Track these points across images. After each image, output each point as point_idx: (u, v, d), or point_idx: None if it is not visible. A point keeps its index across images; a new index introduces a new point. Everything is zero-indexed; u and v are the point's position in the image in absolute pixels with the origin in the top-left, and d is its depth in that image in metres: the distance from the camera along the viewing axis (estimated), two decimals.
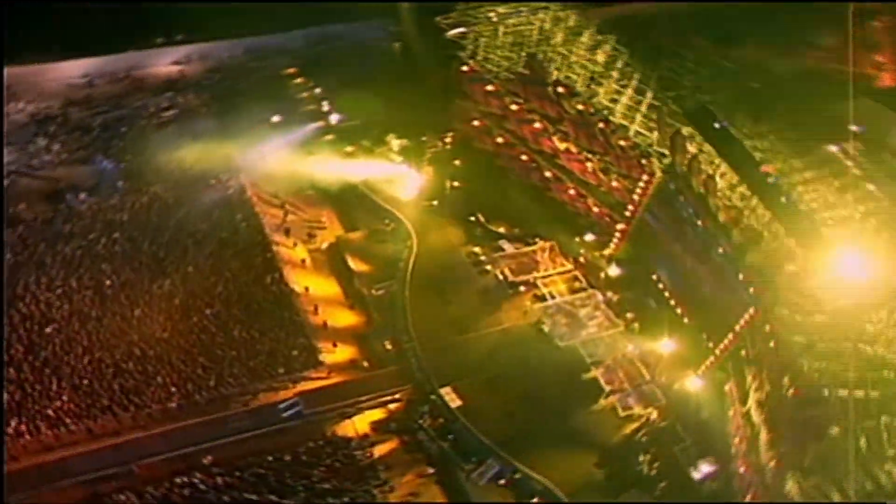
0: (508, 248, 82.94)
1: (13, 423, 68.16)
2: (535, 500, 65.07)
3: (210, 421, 70.09)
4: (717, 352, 70.32)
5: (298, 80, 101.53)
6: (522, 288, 79.80)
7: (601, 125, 78.48)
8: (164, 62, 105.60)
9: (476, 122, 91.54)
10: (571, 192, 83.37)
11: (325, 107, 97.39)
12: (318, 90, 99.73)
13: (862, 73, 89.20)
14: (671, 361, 73.31)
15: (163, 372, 72.37)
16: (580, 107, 79.97)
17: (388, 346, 75.42)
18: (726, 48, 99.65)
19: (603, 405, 71.02)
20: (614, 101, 76.78)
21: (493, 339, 75.76)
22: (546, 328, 76.00)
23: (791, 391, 62.02)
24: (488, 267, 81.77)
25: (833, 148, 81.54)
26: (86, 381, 71.37)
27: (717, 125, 72.03)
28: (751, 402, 66.06)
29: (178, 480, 65.88)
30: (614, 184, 78.87)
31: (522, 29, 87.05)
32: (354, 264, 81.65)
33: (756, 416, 64.66)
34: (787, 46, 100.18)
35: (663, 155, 73.80)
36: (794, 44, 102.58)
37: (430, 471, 67.91)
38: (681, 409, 70.64)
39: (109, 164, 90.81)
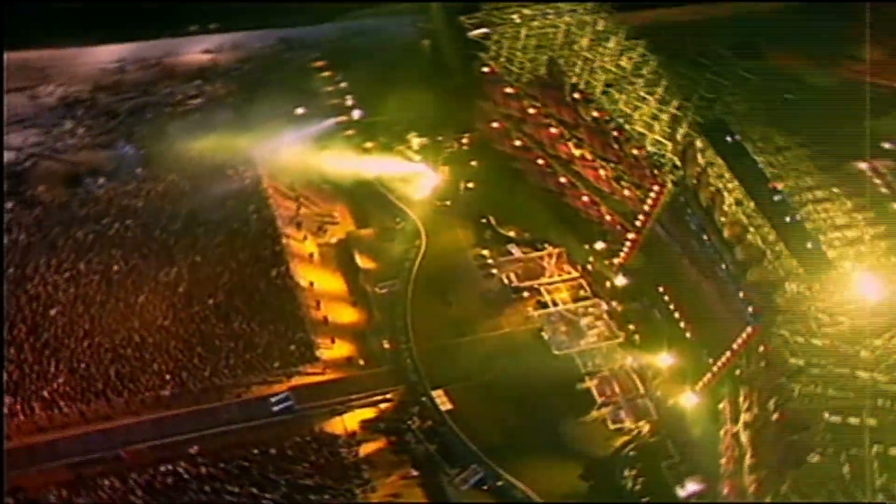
0: (516, 252, 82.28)
1: (8, 403, 68.89)
2: None
3: (200, 411, 70.51)
4: (715, 369, 69.11)
5: (326, 74, 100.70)
6: (526, 293, 79.19)
7: (615, 133, 76.37)
8: (197, 50, 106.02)
9: (495, 124, 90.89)
10: (585, 198, 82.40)
11: (349, 101, 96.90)
12: (343, 84, 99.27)
13: None
14: (669, 376, 72.45)
15: (159, 359, 72.87)
16: (595, 113, 78.86)
17: (386, 346, 75.33)
18: (759, 58, 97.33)
19: (594, 416, 70.35)
20: (636, 108, 75.13)
21: (491, 343, 75.32)
22: (546, 335, 74.67)
23: (776, 415, 60.48)
24: (494, 270, 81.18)
25: (863, 165, 79.49)
26: (83, 365, 72.05)
27: (728, 138, 70.31)
28: (741, 423, 64.44)
29: (162, 468, 66.53)
30: (626, 193, 77.80)
31: (547, 32, 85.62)
32: (362, 261, 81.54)
33: (744, 438, 63.31)
34: (827, 58, 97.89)
35: (676, 166, 72.18)
36: (835, 56, 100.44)
37: (414, 473, 67.67)
38: (673, 426, 69.80)
39: (130, 150, 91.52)
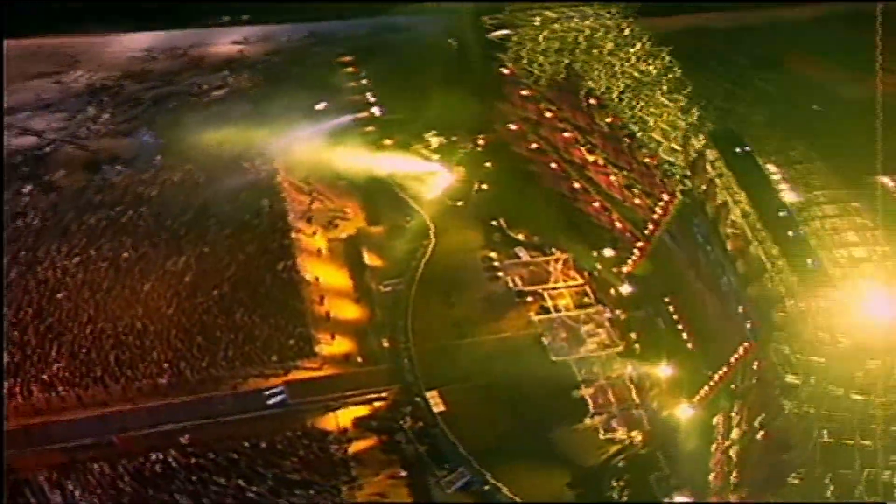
0: (524, 255, 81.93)
1: (8, 385, 69.95)
2: None
3: (195, 401, 71.02)
4: (712, 383, 68.16)
5: (350, 69, 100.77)
6: (530, 298, 78.70)
7: (628, 140, 75.82)
8: (226, 41, 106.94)
9: (512, 126, 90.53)
10: (597, 204, 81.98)
11: (370, 98, 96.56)
12: (366, 80, 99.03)
13: None
14: (667, 387, 71.57)
15: (159, 348, 73.50)
16: (609, 119, 78.14)
17: (386, 344, 75.07)
18: (785, 68, 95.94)
19: (587, 425, 69.57)
20: (654, 114, 74.38)
21: (490, 346, 74.98)
22: (546, 341, 73.99)
23: (761, 433, 59.57)
24: (500, 273, 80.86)
25: (887, 181, 77.97)
26: (84, 350, 72.92)
27: (739, 150, 69.35)
28: (731, 439, 63.61)
29: (152, 456, 66.96)
30: (636, 200, 77.29)
31: (568, 35, 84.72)
32: (369, 258, 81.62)
33: (732, 454, 62.46)
34: (861, 70, 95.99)
35: (686, 176, 71.42)
36: (871, 68, 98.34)
37: (402, 473, 67.53)
38: (665, 438, 68.66)
39: (150, 139, 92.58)
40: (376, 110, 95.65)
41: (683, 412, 68.96)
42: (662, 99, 74.81)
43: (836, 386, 61.69)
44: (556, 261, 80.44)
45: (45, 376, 70.72)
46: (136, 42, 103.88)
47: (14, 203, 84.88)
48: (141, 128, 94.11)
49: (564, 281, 79.46)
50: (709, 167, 70.00)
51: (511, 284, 79.95)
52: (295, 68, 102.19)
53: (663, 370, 71.59)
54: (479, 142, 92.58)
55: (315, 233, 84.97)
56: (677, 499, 64.64)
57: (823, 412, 61.42)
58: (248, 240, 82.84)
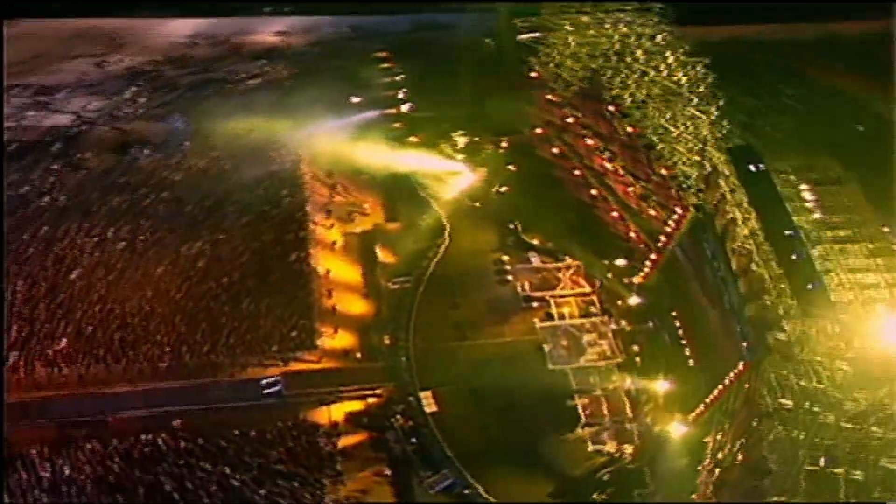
0: (536, 260, 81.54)
1: (13, 358, 71.29)
2: None
3: (192, 386, 72.11)
4: (708, 401, 67.11)
5: (386, 65, 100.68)
6: (536, 304, 78.28)
7: (645, 150, 74.93)
8: (268, 31, 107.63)
9: (538, 130, 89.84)
10: (614, 213, 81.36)
11: (401, 94, 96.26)
12: (400, 77, 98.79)
13: None
14: (663, 403, 70.83)
15: (163, 331, 74.64)
16: (629, 128, 77.13)
17: (387, 341, 75.15)
18: (825, 84, 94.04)
19: (577, 435, 69.16)
20: (680, 125, 73.72)
21: (490, 350, 74.94)
22: (546, 348, 73.60)
23: (740, 455, 58.63)
24: (510, 277, 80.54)
25: None
26: (90, 329, 74.28)
27: (753, 167, 68.27)
28: (716, 460, 62.81)
29: (143, 438, 68.26)
30: (651, 212, 76.60)
31: (600, 41, 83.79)
32: (382, 255, 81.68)
33: (715, 475, 61.60)
34: None
35: (700, 190, 70.45)
36: None
37: (387, 472, 67.76)
38: (654, 454, 67.73)
39: (182, 124, 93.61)
40: (406, 107, 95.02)
41: (676, 429, 68.20)
42: (693, 110, 73.03)
43: (831, 413, 60.40)
44: (567, 268, 79.76)
45: (49, 352, 72.19)
46: (181, 28, 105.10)
47: (42, 180, 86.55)
48: (174, 113, 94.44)
49: (572, 289, 78.80)
50: (722, 182, 68.59)
51: (519, 289, 78.84)
52: (332, 61, 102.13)
53: (661, 385, 70.75)
54: (503, 144, 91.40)
55: (332, 226, 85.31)
56: None
57: (816, 440, 60.24)
58: (264, 229, 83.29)
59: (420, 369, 72.92)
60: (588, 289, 78.87)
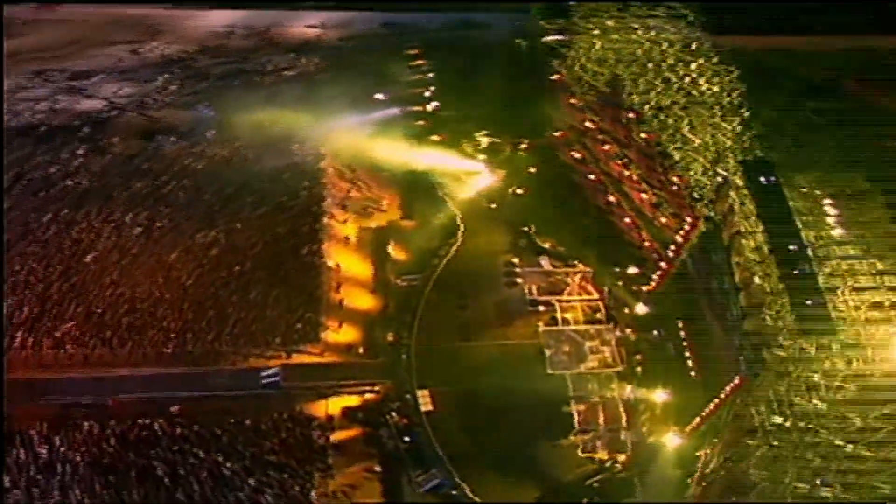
0: (546, 264, 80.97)
1: (21, 336, 72.95)
2: None
3: (193, 373, 73.04)
4: (704, 414, 66.29)
5: (417, 62, 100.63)
6: (542, 307, 77.79)
7: (660, 158, 74.28)
8: (304, 24, 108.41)
9: (559, 133, 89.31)
10: (628, 220, 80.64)
11: (429, 92, 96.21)
12: (429, 74, 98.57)
13: None
14: (660, 413, 70.24)
15: (170, 317, 75.74)
16: (645, 135, 76.28)
17: (390, 338, 75.16)
18: (858, 98, 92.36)
19: (570, 442, 68.66)
20: (701, 134, 72.83)
21: (491, 352, 74.81)
22: (547, 353, 73.29)
23: (723, 471, 58.02)
24: (519, 280, 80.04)
25: None
26: (99, 312, 75.74)
27: (764, 179, 67.38)
28: (703, 474, 62.27)
29: (140, 422, 69.49)
30: (664, 220, 75.52)
31: (626, 46, 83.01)
32: (394, 251, 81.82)
33: (700, 489, 61.05)
34: None
35: (711, 201, 69.56)
36: None
37: (377, 468, 67.90)
38: (646, 464, 66.86)
39: (209, 113, 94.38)
40: (432, 105, 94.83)
41: (670, 440, 67.41)
42: (718, 120, 71.98)
43: (825, 432, 59.64)
44: (576, 273, 79.16)
45: (57, 333, 73.72)
46: (218, 18, 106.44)
47: (67, 163, 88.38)
48: (203, 102, 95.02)
49: (580, 294, 77.90)
50: (733, 194, 67.68)
51: (527, 292, 78.27)
52: (364, 56, 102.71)
53: (660, 395, 69.84)
54: (522, 146, 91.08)
55: (347, 220, 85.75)
56: None
57: (808, 458, 59.36)
58: (280, 221, 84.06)
59: (419, 368, 72.95)
60: (595, 295, 78.04)
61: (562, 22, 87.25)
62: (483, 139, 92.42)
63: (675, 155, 73.72)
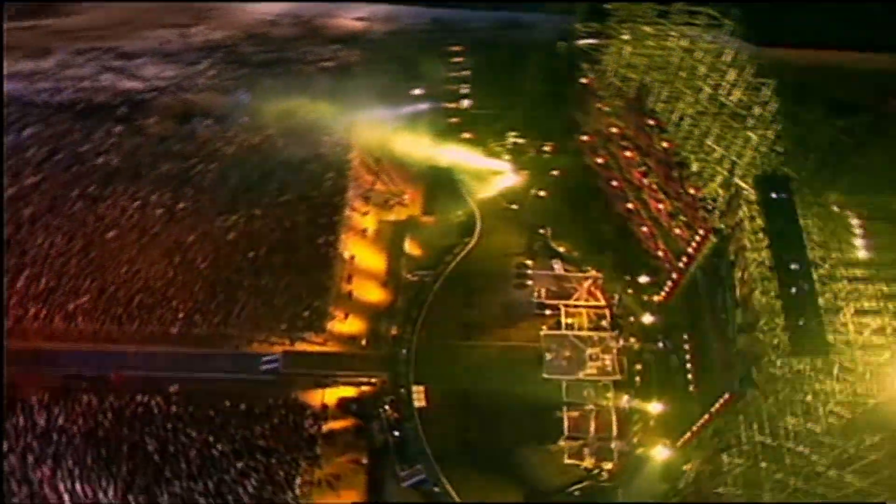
0: (558, 268, 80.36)
1: (35, 307, 75.04)
2: None
3: (196, 354, 74.37)
4: (694, 429, 65.43)
5: (457, 59, 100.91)
6: (549, 311, 77.26)
7: (678, 167, 73.49)
8: (351, 16, 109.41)
9: (585, 137, 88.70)
10: (645, 229, 79.47)
11: (464, 89, 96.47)
12: (467, 72, 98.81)
13: None
14: (653, 425, 69.35)
15: (180, 297, 77.16)
16: (665, 144, 75.48)
17: (393, 332, 75.40)
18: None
19: (558, 447, 68.20)
20: (727, 146, 71.48)
21: (491, 353, 74.89)
22: (547, 357, 72.95)
23: (692, 488, 57.42)
24: (529, 282, 79.63)
25: None
26: (113, 288, 77.61)
27: (775, 195, 66.35)
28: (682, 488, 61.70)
29: (138, 398, 70.95)
30: (678, 231, 74.50)
31: (657, 52, 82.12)
32: (409, 246, 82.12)
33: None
34: None
35: (723, 213, 68.69)
36: None
37: (364, 460, 68.15)
38: (632, 476, 66.33)
39: (245, 99, 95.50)
40: (465, 102, 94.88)
41: (659, 453, 66.57)
42: (749, 133, 70.76)
43: (811, 455, 58.42)
44: (586, 279, 78.21)
45: (70, 306, 75.57)
46: (267, 6, 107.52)
47: (102, 141, 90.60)
48: (241, 88, 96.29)
49: (587, 300, 77.06)
50: (745, 208, 66.65)
51: (535, 295, 77.96)
52: (406, 51, 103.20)
53: (655, 407, 68.99)
54: (547, 148, 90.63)
55: (367, 213, 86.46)
56: None
57: (790, 480, 58.32)
58: (301, 209, 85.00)
59: (418, 364, 73.06)
60: (602, 302, 77.16)
61: (597, 25, 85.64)
62: (512, 139, 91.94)
63: (695, 166, 72.10)
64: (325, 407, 71.26)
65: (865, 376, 59.24)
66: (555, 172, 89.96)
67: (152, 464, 66.89)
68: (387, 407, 70.66)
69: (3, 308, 74.54)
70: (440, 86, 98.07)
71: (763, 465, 59.24)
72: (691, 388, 69.75)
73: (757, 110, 71.13)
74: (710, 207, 69.78)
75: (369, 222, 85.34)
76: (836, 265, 64.98)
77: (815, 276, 61.18)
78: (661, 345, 75.15)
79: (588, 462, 67.39)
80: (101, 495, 64.73)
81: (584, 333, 75.35)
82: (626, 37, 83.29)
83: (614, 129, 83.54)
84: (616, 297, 78.26)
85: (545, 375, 72.38)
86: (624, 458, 67.79)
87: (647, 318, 75.72)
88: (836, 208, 69.24)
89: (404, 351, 74.29)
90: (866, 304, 63.45)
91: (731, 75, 74.40)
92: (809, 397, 59.38)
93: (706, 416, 64.25)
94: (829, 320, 60.37)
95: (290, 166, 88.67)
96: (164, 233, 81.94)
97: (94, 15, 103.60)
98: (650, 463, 66.84)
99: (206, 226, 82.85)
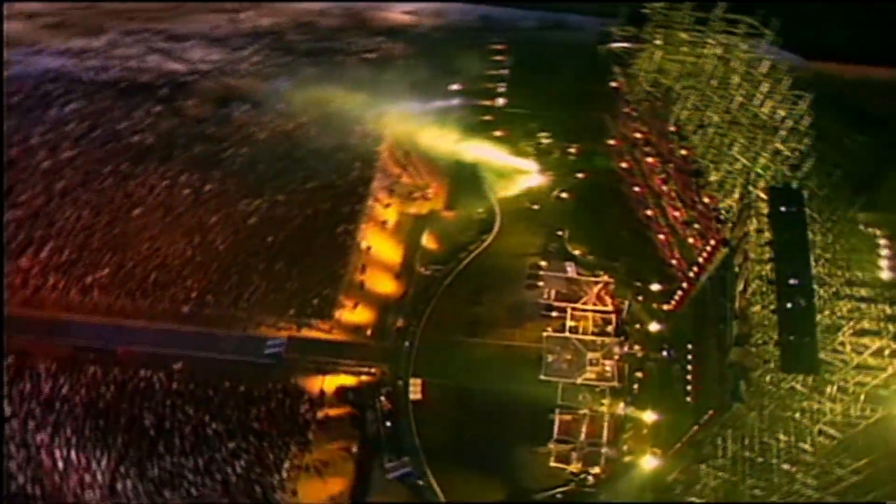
0: (570, 271, 79.79)
1: (54, 278, 77.49)
2: None
3: (202, 333, 75.73)
4: (685, 440, 64.98)
5: (498, 57, 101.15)
6: (555, 313, 76.79)
7: (694, 176, 72.90)
8: (400, 9, 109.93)
9: (612, 142, 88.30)
10: (662, 236, 78.86)
11: (501, 88, 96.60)
12: (506, 70, 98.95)
13: None
14: (646, 434, 68.93)
15: (195, 277, 78.98)
16: (683, 151, 74.84)
17: (399, 324, 75.86)
18: None
19: (545, 450, 67.98)
20: (752, 157, 70.40)
21: (493, 351, 74.80)
22: (548, 358, 72.80)
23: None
24: (541, 283, 79.28)
25: None
26: (131, 265, 79.56)
27: (784, 208, 65.56)
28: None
29: (141, 373, 72.52)
30: (691, 240, 73.85)
31: (689, 59, 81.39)
32: (427, 240, 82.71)
33: None
34: None
35: (734, 224, 68.12)
36: None
37: (354, 449, 68.65)
38: (617, 483, 65.97)
39: (284, 87, 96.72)
40: (500, 101, 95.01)
41: (647, 462, 66.05)
42: (778, 145, 69.91)
43: (794, 474, 57.65)
44: (597, 283, 77.68)
45: (88, 279, 77.71)
46: None
47: (140, 120, 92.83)
48: (282, 75, 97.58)
49: (595, 304, 76.64)
50: (754, 219, 65.92)
51: (544, 296, 77.70)
52: (449, 47, 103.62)
53: (649, 416, 68.46)
54: (572, 150, 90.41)
55: (390, 205, 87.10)
56: None
57: (770, 496, 57.63)
58: (324, 198, 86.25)
59: (419, 357, 73.47)
60: (609, 307, 76.47)
61: (633, 29, 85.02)
62: (544, 139, 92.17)
63: (715, 175, 71.29)
64: (322, 394, 72.02)
65: (860, 397, 57.83)
66: (580, 175, 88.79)
67: (147, 438, 68.22)
68: (382, 398, 70.38)
69: (2, 282, 76.28)
70: (477, 83, 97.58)
71: (748, 481, 58.17)
72: (688, 399, 68.44)
73: (790, 123, 69.38)
74: (723, 218, 68.44)
75: (390, 214, 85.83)
76: (843, 284, 63.36)
77: (821, 293, 59.64)
78: (665, 353, 73.43)
79: (574, 466, 66.92)
80: (93, 465, 66.12)
81: (587, 338, 74.42)
82: (659, 42, 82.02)
83: (639, 135, 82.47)
84: (626, 303, 76.94)
85: (543, 377, 71.51)
86: (611, 465, 66.61)
87: (654, 327, 75.07)
88: (862, 226, 67.49)
89: (407, 344, 74.46)
90: (865, 325, 61.84)
91: (765, 86, 72.78)
92: (798, 415, 58.30)
93: (695, 428, 63.19)
94: (828, 338, 59.01)
95: (319, 154, 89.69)
96: (188, 213, 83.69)
97: None
98: (637, 471, 65.91)
99: (229, 208, 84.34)
